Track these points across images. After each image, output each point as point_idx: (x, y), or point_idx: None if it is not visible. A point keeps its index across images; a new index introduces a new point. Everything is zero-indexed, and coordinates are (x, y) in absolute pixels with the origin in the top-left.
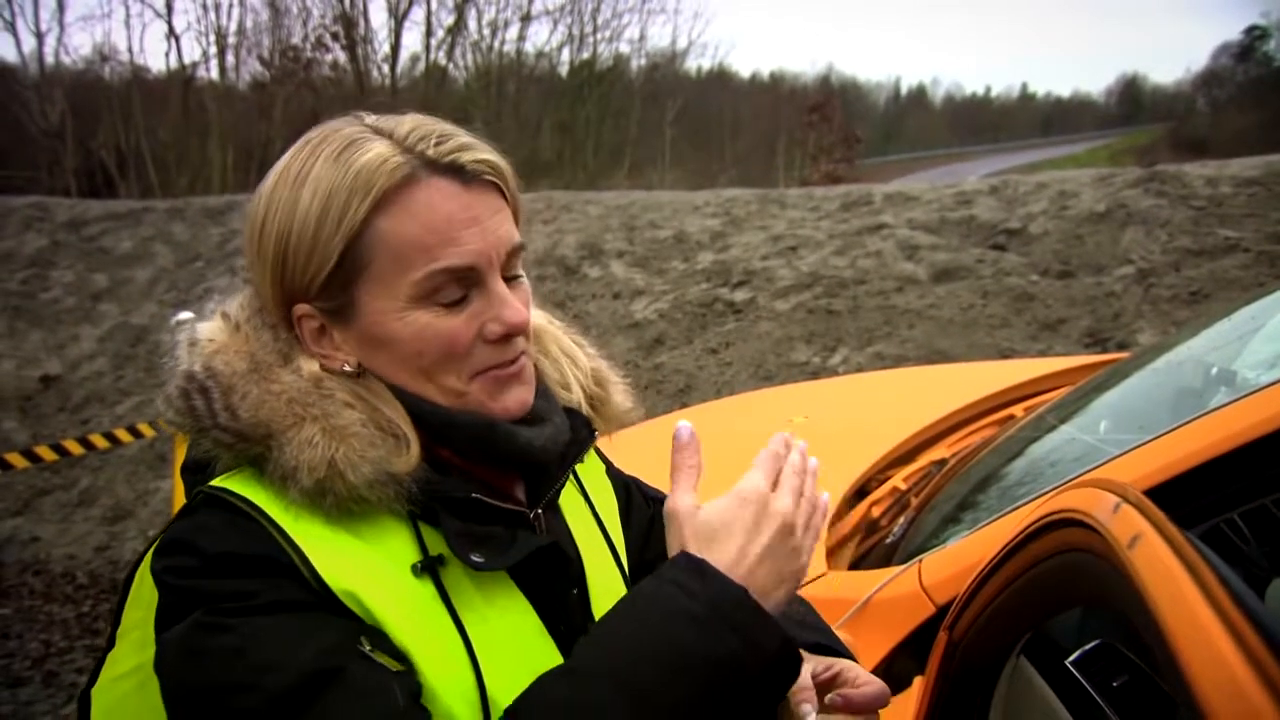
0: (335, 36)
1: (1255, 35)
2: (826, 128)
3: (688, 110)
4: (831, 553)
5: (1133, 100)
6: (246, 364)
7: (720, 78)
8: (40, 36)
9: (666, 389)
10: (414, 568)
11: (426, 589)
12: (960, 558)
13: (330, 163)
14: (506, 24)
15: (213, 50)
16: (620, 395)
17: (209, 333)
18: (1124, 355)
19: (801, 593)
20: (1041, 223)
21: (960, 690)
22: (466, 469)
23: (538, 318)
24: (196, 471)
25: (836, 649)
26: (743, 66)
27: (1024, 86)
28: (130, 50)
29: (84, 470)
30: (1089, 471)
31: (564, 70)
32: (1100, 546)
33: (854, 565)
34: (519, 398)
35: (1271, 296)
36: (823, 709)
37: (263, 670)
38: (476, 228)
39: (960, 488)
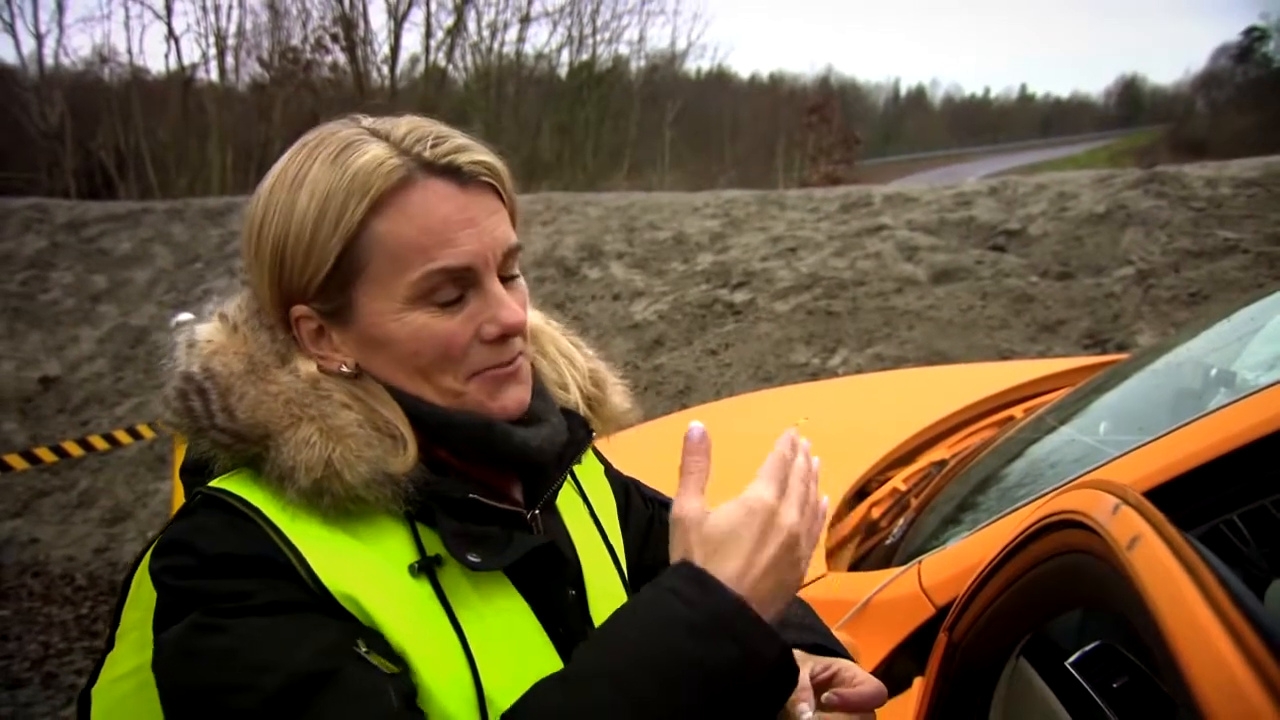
0: (335, 38)
1: (1254, 37)
2: (826, 129)
3: (687, 112)
4: (831, 554)
5: (1132, 101)
6: (244, 365)
7: (719, 79)
8: (40, 38)
9: (666, 390)
10: (411, 568)
11: (423, 589)
12: (960, 559)
13: (327, 165)
14: (506, 25)
15: (212, 52)
16: (618, 396)
17: (207, 334)
18: (1123, 356)
19: (801, 594)
20: (1041, 224)
21: (960, 691)
22: (464, 469)
23: (535, 318)
24: (195, 473)
25: (834, 650)
26: (742, 68)
27: (1023, 87)
28: (130, 52)
29: (83, 472)
30: (1088, 473)
31: (563, 72)
32: (1100, 548)
33: (854, 566)
34: (516, 397)
35: (1271, 298)
36: (819, 708)
37: (258, 671)
38: (473, 229)
39: (960, 489)
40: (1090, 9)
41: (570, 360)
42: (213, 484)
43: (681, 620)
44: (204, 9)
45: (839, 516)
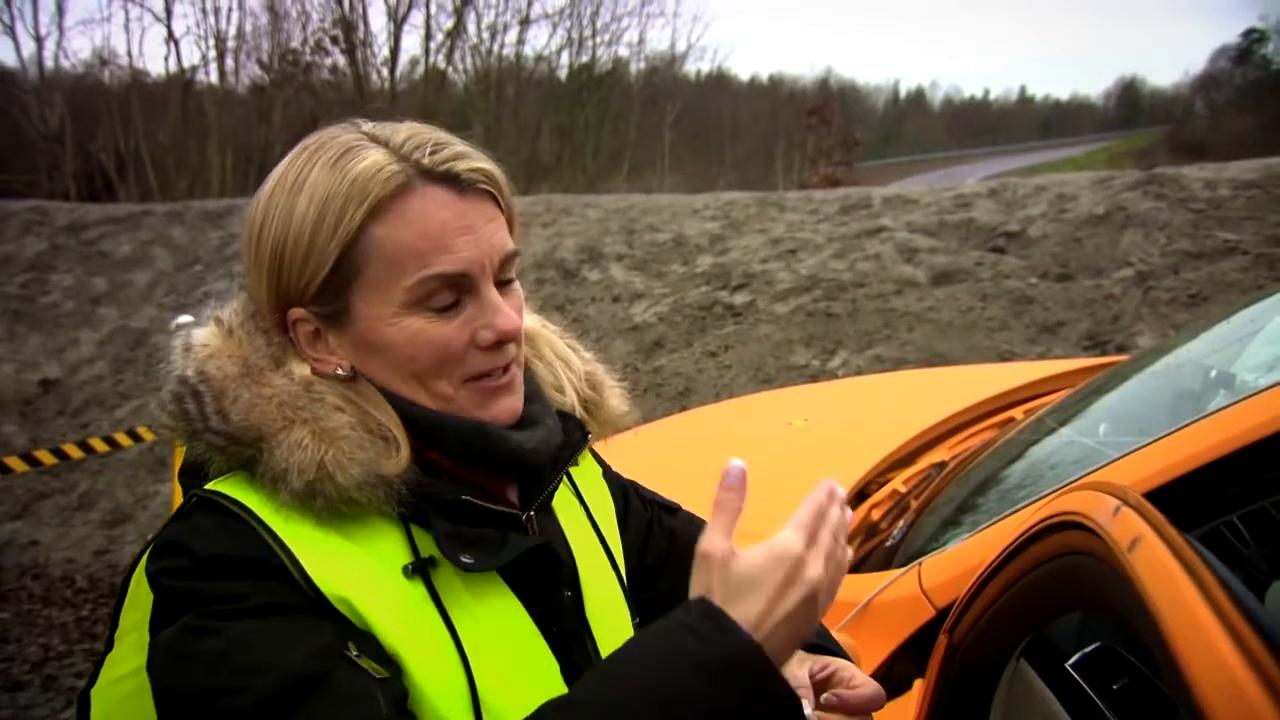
0: (334, 40)
1: (1253, 38)
2: (825, 131)
3: (687, 113)
4: None
5: (1131, 103)
6: (238, 368)
7: (719, 81)
8: (40, 40)
9: (666, 392)
10: (405, 569)
11: (417, 590)
12: (960, 561)
13: (327, 170)
14: (505, 27)
15: (212, 54)
16: (615, 399)
17: (203, 338)
18: (1123, 358)
19: None
20: (1040, 225)
21: (960, 693)
22: (457, 472)
23: (532, 321)
24: (193, 476)
25: (832, 649)
26: (742, 70)
27: (1022, 89)
28: (129, 54)
29: (83, 474)
30: (1089, 474)
31: (563, 74)
32: (1100, 549)
33: (854, 568)
34: (507, 408)
35: (1270, 299)
36: (818, 708)
37: (251, 673)
38: (470, 235)
39: (960, 491)
40: (1090, 10)
41: (566, 363)
42: (208, 486)
43: (689, 656)
44: (204, 11)
45: None
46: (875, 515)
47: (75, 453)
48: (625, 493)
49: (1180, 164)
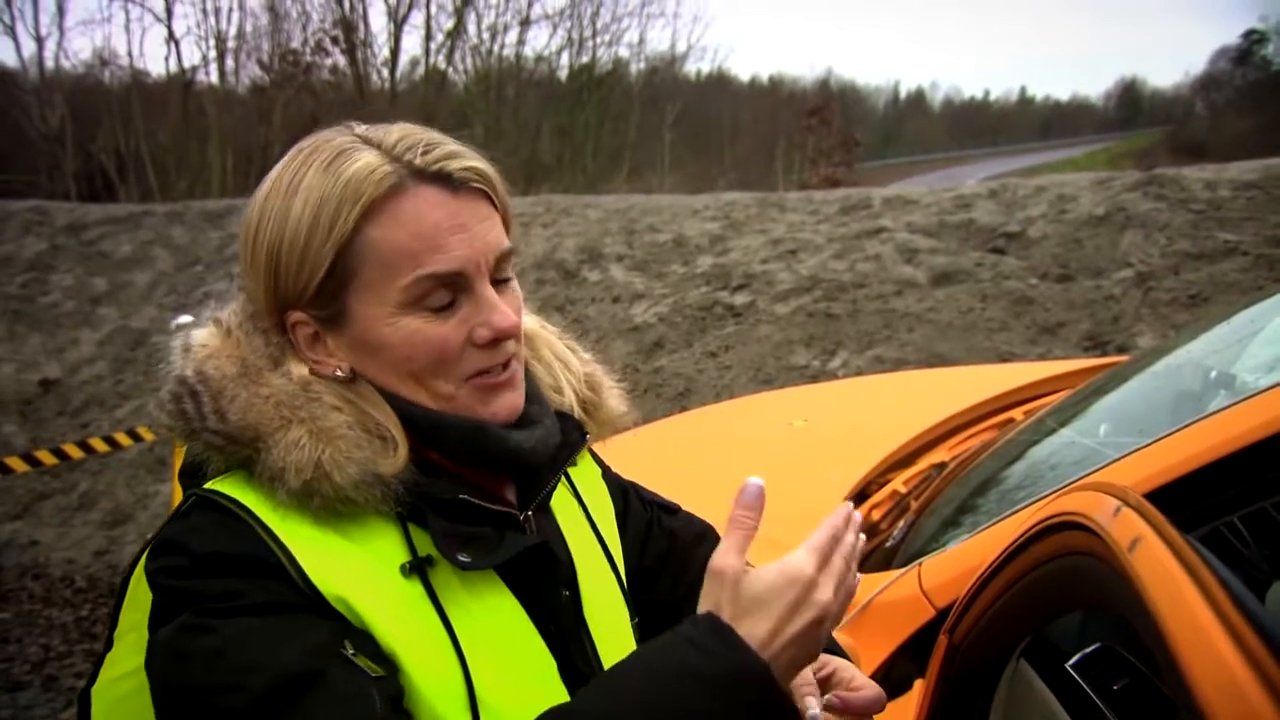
0: (335, 40)
1: (1253, 39)
2: (825, 131)
3: (687, 114)
4: None
5: (1131, 104)
6: (236, 368)
7: (719, 81)
8: (40, 41)
9: (666, 392)
10: (402, 568)
11: (415, 589)
12: (960, 561)
13: (321, 172)
14: (506, 28)
15: (212, 54)
16: (614, 400)
17: (202, 338)
18: (1123, 358)
19: None
20: (1040, 226)
21: (960, 693)
22: (456, 471)
23: (531, 322)
24: (192, 475)
25: (832, 649)
26: (742, 70)
27: (1023, 90)
28: (130, 54)
29: (83, 474)
30: (1089, 475)
31: (563, 74)
32: (1101, 550)
33: None
34: (508, 404)
35: (1270, 300)
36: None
37: (247, 671)
38: (464, 234)
39: (960, 491)
40: (1090, 10)
41: (565, 364)
42: (206, 486)
43: (694, 670)
44: (204, 12)
45: None
46: (875, 515)
47: (75, 453)
48: (625, 494)
49: (1180, 165)
